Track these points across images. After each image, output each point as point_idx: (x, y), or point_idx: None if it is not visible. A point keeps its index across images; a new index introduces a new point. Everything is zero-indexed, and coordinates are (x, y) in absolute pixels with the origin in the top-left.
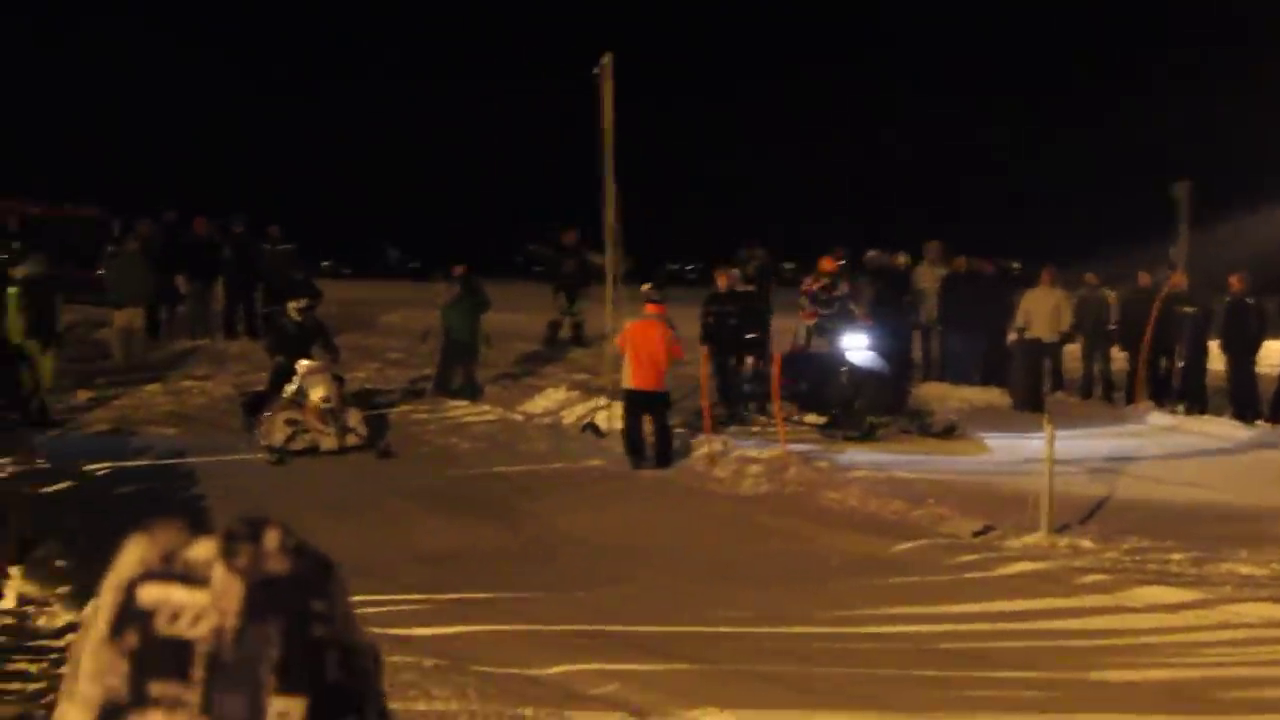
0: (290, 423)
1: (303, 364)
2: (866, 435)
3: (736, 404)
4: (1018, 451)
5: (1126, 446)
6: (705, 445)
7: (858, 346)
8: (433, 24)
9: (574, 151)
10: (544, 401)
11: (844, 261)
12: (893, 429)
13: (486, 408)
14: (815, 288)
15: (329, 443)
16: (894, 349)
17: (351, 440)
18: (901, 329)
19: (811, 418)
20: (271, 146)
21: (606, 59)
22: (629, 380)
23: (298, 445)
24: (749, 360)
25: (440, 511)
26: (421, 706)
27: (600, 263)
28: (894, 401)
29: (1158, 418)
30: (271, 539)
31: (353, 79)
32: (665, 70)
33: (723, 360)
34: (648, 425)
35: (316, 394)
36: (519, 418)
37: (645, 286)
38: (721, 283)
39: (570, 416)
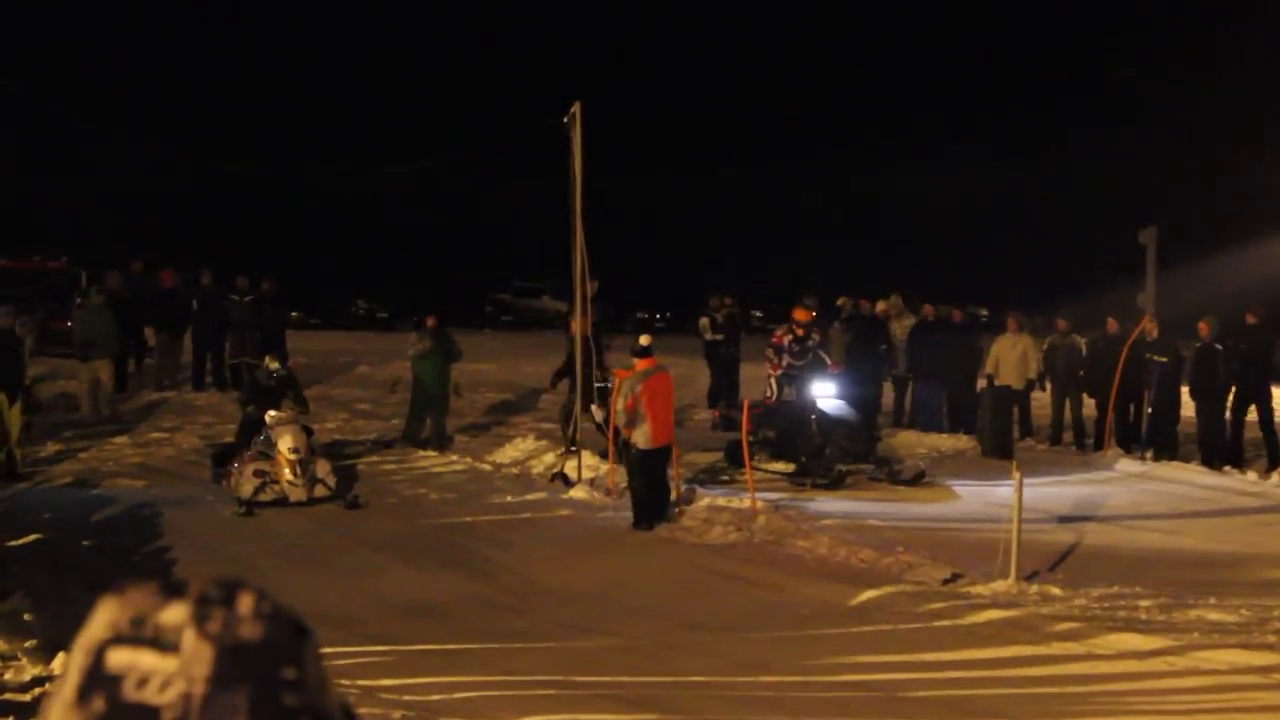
0: (259, 474)
1: (271, 415)
2: (835, 483)
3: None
4: (986, 499)
5: (1095, 493)
6: (674, 494)
7: (826, 394)
8: (401, 72)
9: (543, 200)
10: (512, 451)
11: (815, 313)
12: (861, 477)
13: (455, 458)
14: (787, 339)
15: (298, 494)
16: (863, 396)
17: (320, 491)
18: (874, 376)
19: (779, 465)
20: (239, 198)
21: (576, 107)
22: (649, 440)
23: (266, 496)
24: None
25: (409, 562)
26: None
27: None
28: (863, 449)
29: (1126, 464)
30: (245, 603)
31: (321, 128)
32: (634, 115)
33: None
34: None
35: (285, 445)
36: (487, 467)
37: (644, 338)
38: (573, 328)
39: (539, 466)
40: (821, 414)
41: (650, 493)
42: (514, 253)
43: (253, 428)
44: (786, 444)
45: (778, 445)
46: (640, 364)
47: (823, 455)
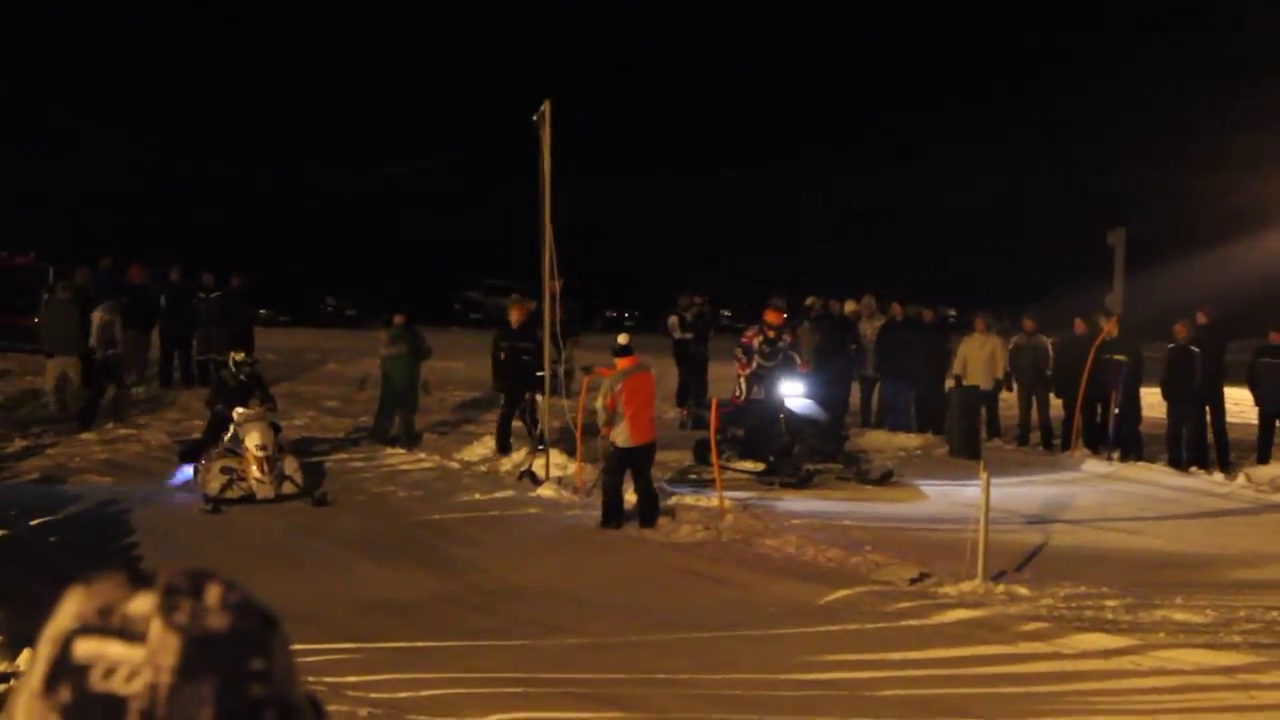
0: (226, 471)
1: (239, 412)
2: (803, 482)
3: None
4: (954, 499)
5: (1062, 494)
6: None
7: (795, 394)
8: (371, 68)
9: (512, 197)
10: (481, 449)
11: (785, 315)
12: (829, 476)
13: (423, 455)
14: (757, 340)
15: (265, 491)
16: (832, 396)
17: (288, 488)
18: (843, 376)
19: (747, 464)
20: (208, 193)
21: (545, 105)
22: (628, 438)
23: (234, 493)
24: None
25: (376, 559)
26: None
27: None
28: (831, 449)
29: (1093, 465)
30: (213, 594)
31: (291, 124)
32: (601, 114)
33: (511, 397)
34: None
35: (252, 441)
36: (456, 465)
37: (622, 337)
38: (514, 317)
39: (507, 464)
40: (790, 413)
41: (618, 495)
42: (486, 251)
43: (221, 426)
44: (755, 443)
45: (746, 444)
46: (621, 363)
47: (790, 454)
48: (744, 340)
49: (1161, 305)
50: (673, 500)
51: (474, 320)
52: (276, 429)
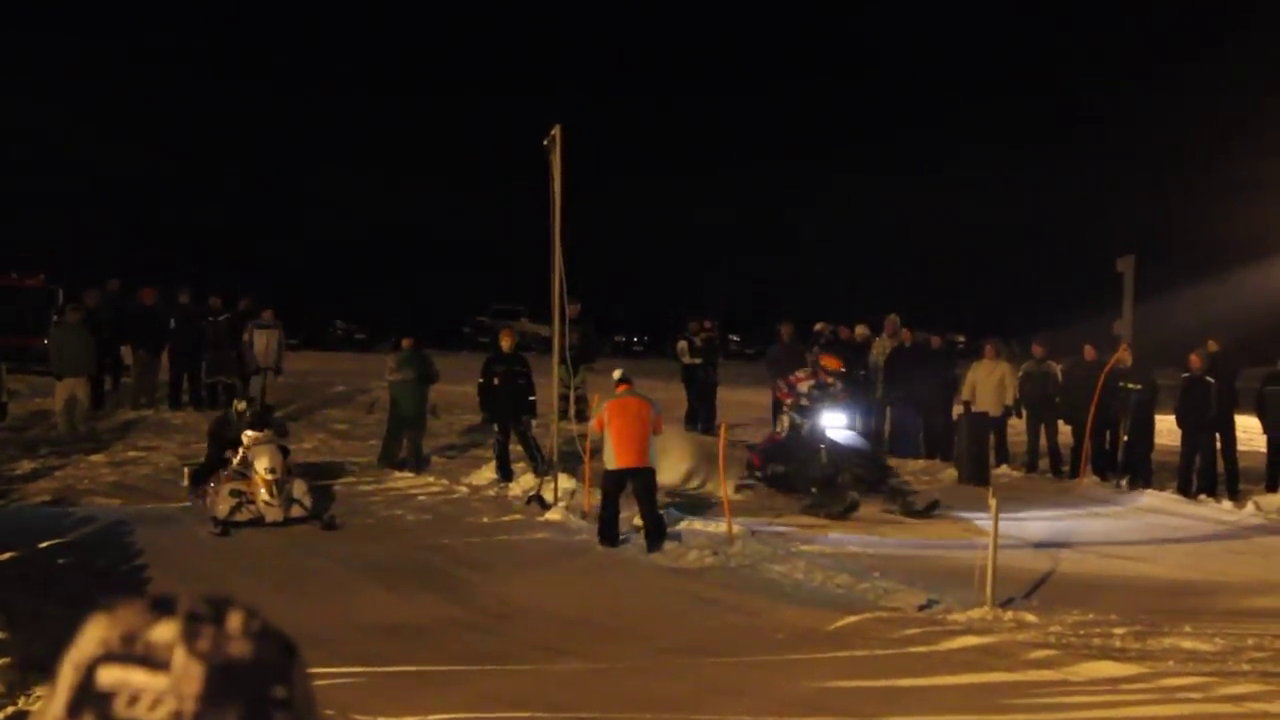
0: (235, 494)
1: (248, 435)
2: (848, 510)
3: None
4: (965, 525)
5: (1070, 520)
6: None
7: (837, 424)
8: (384, 91)
9: (522, 222)
10: (489, 473)
11: (845, 365)
12: (873, 507)
13: (431, 479)
14: (807, 385)
15: (274, 514)
16: (867, 425)
17: (297, 512)
18: (871, 404)
19: (792, 500)
20: (220, 216)
21: (556, 130)
22: (614, 460)
23: (243, 516)
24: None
25: (385, 583)
26: None
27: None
28: (876, 479)
29: (1101, 492)
30: (235, 621)
31: (301, 149)
32: (613, 141)
33: (502, 424)
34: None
35: (262, 465)
36: (464, 489)
37: (616, 372)
38: (505, 342)
39: (516, 488)
40: (832, 444)
41: (612, 517)
42: (496, 275)
43: (221, 446)
44: (797, 477)
45: (787, 479)
46: (619, 390)
47: (834, 485)
48: (792, 380)
49: (1170, 332)
50: (681, 525)
51: (482, 344)
52: (285, 452)
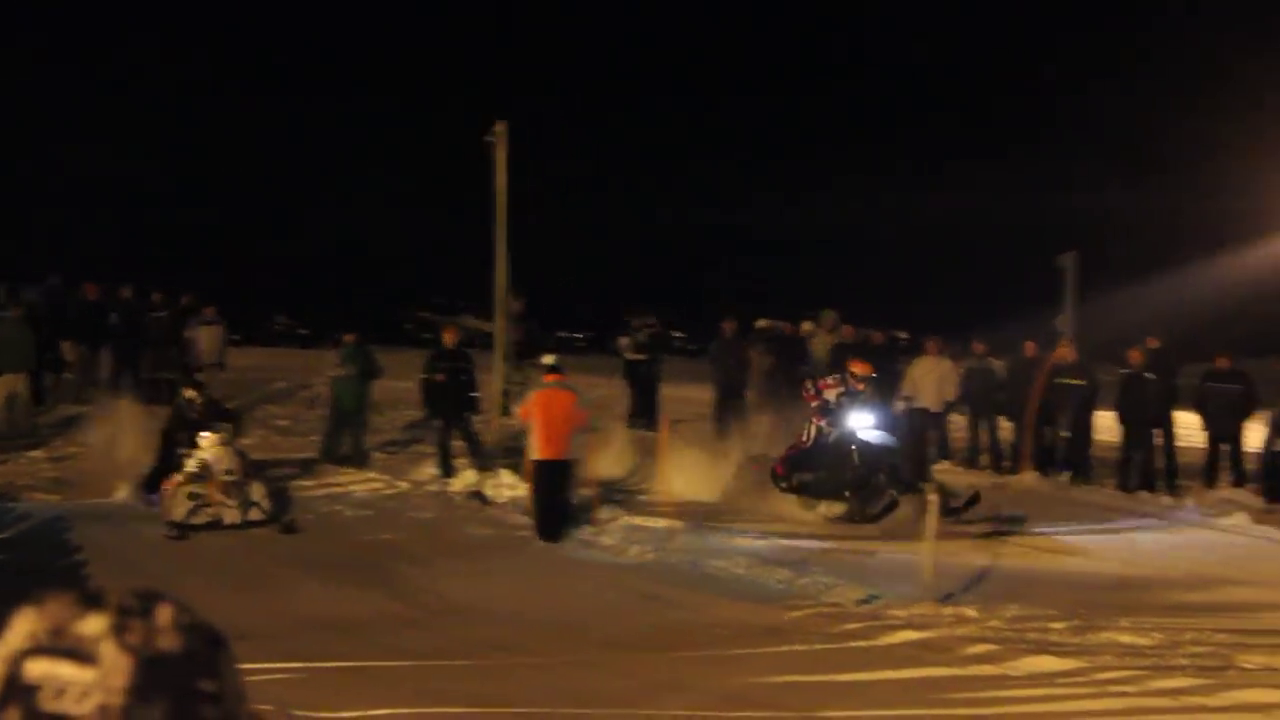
0: (193, 496)
1: (205, 436)
2: (887, 510)
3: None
4: (905, 519)
5: (1011, 516)
6: (593, 513)
7: (865, 424)
8: (325, 85)
9: (464, 218)
10: (431, 469)
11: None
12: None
13: (373, 475)
14: (835, 393)
15: (232, 516)
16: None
17: (255, 514)
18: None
19: (824, 508)
20: (160, 211)
21: (500, 126)
22: (539, 451)
23: (200, 519)
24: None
25: (324, 578)
26: None
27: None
28: (912, 478)
29: (1041, 487)
30: (164, 615)
31: (244, 142)
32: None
33: (445, 419)
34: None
35: (220, 467)
36: (405, 485)
37: (547, 357)
38: (448, 338)
39: (457, 484)
40: (864, 444)
41: (545, 504)
42: (439, 271)
43: (173, 452)
44: (828, 483)
45: (817, 486)
46: (545, 379)
47: (869, 486)
48: (820, 386)
49: (1112, 329)
50: (622, 521)
51: (425, 340)
52: (243, 454)
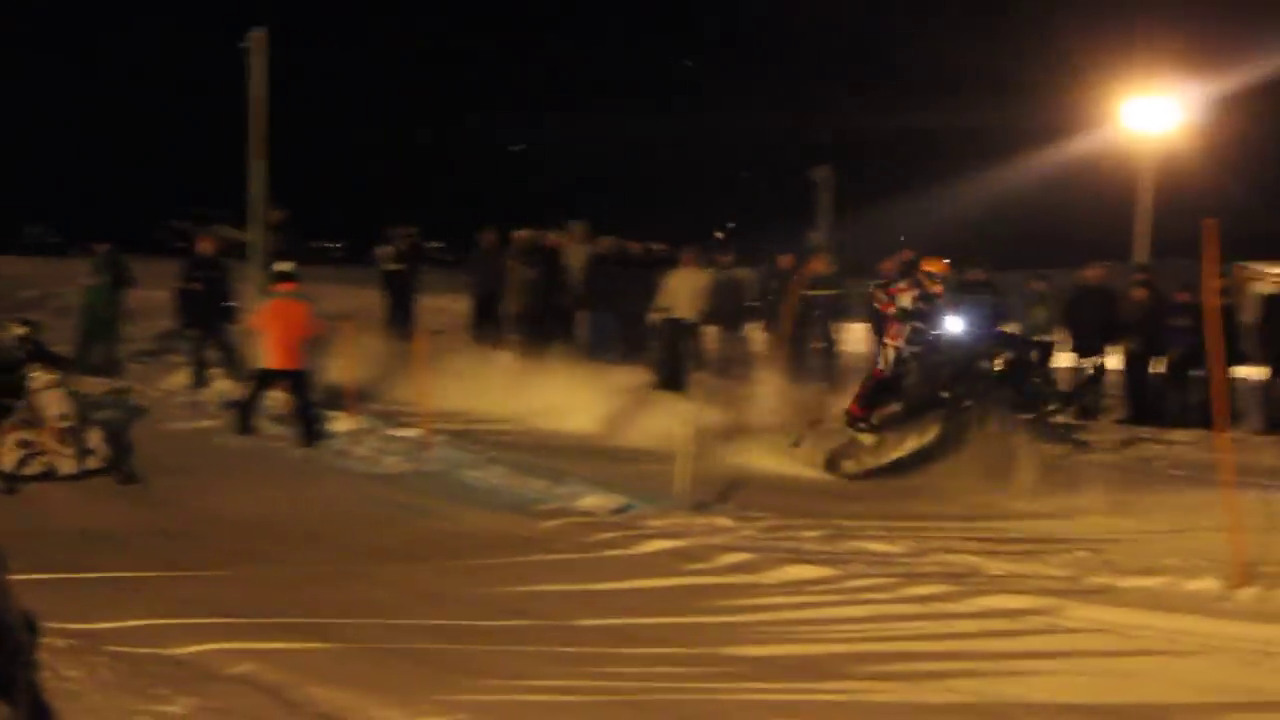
0: (23, 444)
1: (35, 377)
2: (1069, 403)
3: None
4: (661, 429)
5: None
6: (346, 423)
7: (957, 329)
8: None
9: (219, 124)
10: (184, 378)
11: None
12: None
13: (126, 384)
14: (909, 297)
15: (68, 466)
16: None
17: (92, 463)
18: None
19: (913, 441)
20: None
21: (258, 33)
22: (271, 360)
23: (32, 470)
24: None
25: (76, 489)
26: (52, 687)
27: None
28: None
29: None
30: None
31: None
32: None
33: (201, 329)
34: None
35: (53, 411)
36: (159, 394)
37: (284, 265)
38: (205, 248)
39: (211, 394)
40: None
41: (254, 406)
42: (195, 179)
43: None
44: (922, 405)
45: (908, 414)
46: (279, 289)
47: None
48: (892, 291)
49: (868, 243)
50: (379, 431)
51: (179, 249)
52: (78, 397)
